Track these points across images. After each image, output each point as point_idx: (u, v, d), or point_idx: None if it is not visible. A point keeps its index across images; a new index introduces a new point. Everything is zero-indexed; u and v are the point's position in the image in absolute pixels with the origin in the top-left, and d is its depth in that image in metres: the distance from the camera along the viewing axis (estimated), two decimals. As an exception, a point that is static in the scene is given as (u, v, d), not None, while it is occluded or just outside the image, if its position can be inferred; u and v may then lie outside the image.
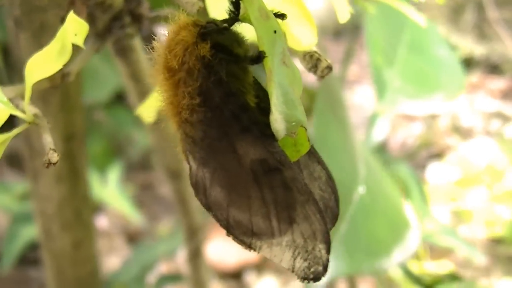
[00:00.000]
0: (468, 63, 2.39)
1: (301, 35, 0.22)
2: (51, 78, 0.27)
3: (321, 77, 0.24)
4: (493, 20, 2.53)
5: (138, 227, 1.50)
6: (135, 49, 0.36)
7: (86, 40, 0.28)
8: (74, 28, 0.21)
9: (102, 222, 1.50)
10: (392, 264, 0.41)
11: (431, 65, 0.67)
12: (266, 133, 0.22)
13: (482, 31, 2.58)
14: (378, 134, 0.60)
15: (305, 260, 0.24)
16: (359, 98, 2.25)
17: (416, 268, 0.82)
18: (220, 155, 0.24)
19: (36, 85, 0.26)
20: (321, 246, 0.23)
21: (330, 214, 0.27)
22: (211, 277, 0.69)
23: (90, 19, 0.29)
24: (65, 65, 0.24)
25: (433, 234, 0.73)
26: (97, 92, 1.45)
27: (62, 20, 0.28)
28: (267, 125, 0.21)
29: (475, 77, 2.37)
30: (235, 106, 0.23)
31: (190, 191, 0.55)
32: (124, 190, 1.09)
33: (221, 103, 0.23)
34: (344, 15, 0.25)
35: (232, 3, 0.22)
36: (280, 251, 0.24)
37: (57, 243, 0.59)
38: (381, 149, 0.69)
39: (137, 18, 0.30)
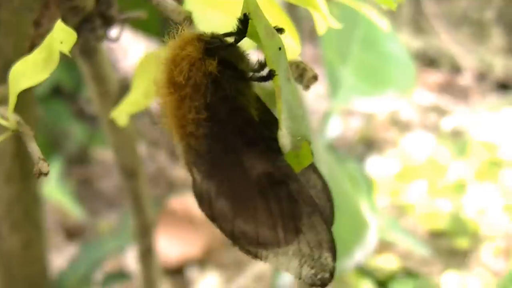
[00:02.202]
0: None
1: (286, 46, 0.22)
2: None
3: (307, 87, 0.24)
4: (430, 14, 2.57)
5: (77, 222, 1.48)
6: (100, 51, 0.35)
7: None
8: (61, 36, 0.21)
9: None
10: (354, 263, 0.41)
11: (384, 61, 0.67)
12: (271, 147, 0.22)
13: (418, 25, 2.63)
14: (332, 132, 0.61)
15: (312, 268, 0.24)
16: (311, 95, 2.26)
17: (366, 263, 0.83)
18: (226, 168, 0.24)
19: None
20: (327, 255, 0.24)
21: (328, 222, 0.27)
22: (161, 275, 0.69)
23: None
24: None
25: (381, 229, 0.74)
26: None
27: (36, 24, 0.27)
28: (272, 139, 0.21)
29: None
30: (241, 121, 0.23)
31: (144, 189, 0.55)
32: (64, 185, 1.07)
33: (228, 118, 0.23)
34: (322, 26, 0.25)
35: (241, 21, 0.22)
36: (287, 259, 0.25)
37: (6, 243, 0.58)
38: (332, 146, 0.70)
39: (107, 21, 0.30)
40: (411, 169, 1.35)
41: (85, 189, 1.64)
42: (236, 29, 0.23)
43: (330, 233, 0.24)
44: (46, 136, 1.54)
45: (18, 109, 0.49)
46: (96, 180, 1.69)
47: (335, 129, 0.61)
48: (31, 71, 0.22)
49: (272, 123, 0.23)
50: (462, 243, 1.40)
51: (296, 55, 0.24)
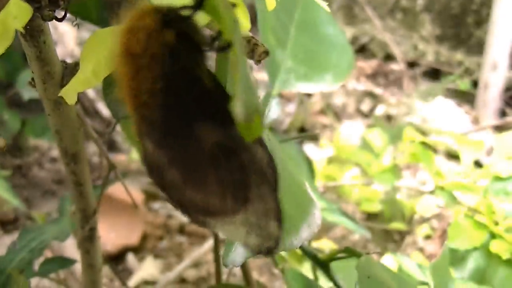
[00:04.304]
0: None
1: (240, 22, 0.23)
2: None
3: (258, 61, 0.24)
4: (362, 2, 2.60)
5: (10, 212, 1.46)
6: (44, 32, 0.35)
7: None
8: (16, 12, 0.21)
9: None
10: (301, 241, 0.42)
11: (321, 45, 0.68)
12: (224, 118, 0.22)
13: (351, 13, 2.66)
14: (272, 114, 0.61)
15: (259, 236, 0.25)
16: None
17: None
18: (179, 138, 0.24)
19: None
20: (274, 223, 0.25)
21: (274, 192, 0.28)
22: (101, 262, 0.68)
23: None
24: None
25: (322, 212, 0.75)
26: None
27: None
28: (224, 110, 0.22)
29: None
30: (197, 92, 0.24)
31: (86, 174, 0.55)
32: (0, 175, 1.05)
33: (184, 88, 0.24)
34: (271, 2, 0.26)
35: None
36: (235, 228, 0.25)
37: None
38: (272, 129, 0.70)
39: (53, 0, 0.30)
40: (345, 154, 1.36)
41: (18, 179, 1.62)
42: (192, 2, 0.23)
43: (277, 202, 0.25)
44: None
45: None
46: (30, 169, 1.67)
47: (274, 111, 0.61)
48: (-15, 47, 0.22)
49: (223, 95, 0.23)
50: (397, 225, 1.43)
51: (246, 31, 0.24)
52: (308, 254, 0.58)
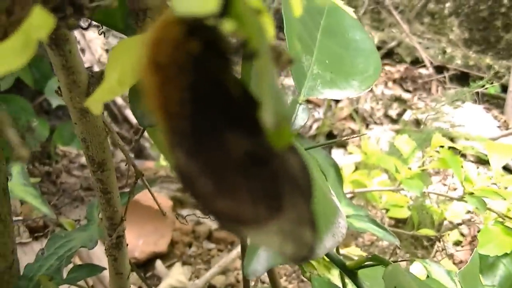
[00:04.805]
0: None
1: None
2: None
3: (283, 69, 0.24)
4: (389, 6, 2.59)
5: (41, 220, 1.47)
6: (70, 40, 0.35)
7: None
8: (40, 22, 0.21)
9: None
10: (325, 251, 0.42)
11: (348, 50, 0.67)
12: (254, 127, 0.22)
13: (379, 17, 2.65)
14: (299, 121, 0.61)
15: (293, 244, 0.25)
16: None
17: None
18: (209, 147, 0.24)
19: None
20: (307, 231, 0.24)
21: (308, 199, 0.27)
22: (129, 269, 0.68)
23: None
24: None
25: (349, 217, 0.75)
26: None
27: (8, 12, 0.27)
28: (253, 118, 0.21)
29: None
30: (224, 100, 0.24)
31: (113, 182, 0.55)
32: (30, 182, 1.06)
33: (211, 97, 0.24)
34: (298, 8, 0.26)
35: (222, 1, 0.22)
36: (269, 237, 0.25)
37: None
38: (300, 135, 0.70)
39: (78, 9, 0.30)
40: (373, 160, 1.36)
41: (47, 186, 1.63)
42: (216, 10, 0.23)
43: (310, 210, 0.24)
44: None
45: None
46: (59, 176, 1.68)
47: (301, 118, 0.61)
48: (8, 57, 0.22)
49: (251, 103, 0.23)
50: (426, 232, 1.42)
51: (271, 38, 0.24)
52: (336, 262, 0.57)
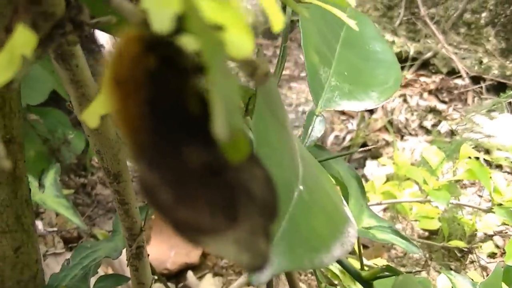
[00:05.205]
0: (402, 60, 2.43)
1: (238, 43, 0.23)
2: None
3: (259, 83, 0.25)
4: (425, 17, 2.58)
5: (75, 230, 1.49)
6: (76, 55, 0.36)
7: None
8: (23, 39, 0.22)
9: (38, 226, 1.49)
10: (332, 259, 0.42)
11: (368, 62, 0.68)
12: (209, 140, 0.23)
13: (414, 27, 2.64)
14: (316, 132, 0.61)
15: (249, 253, 0.25)
16: (295, 95, 2.27)
17: (355, 263, 0.84)
18: (168, 159, 0.25)
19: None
20: (262, 240, 0.25)
21: (269, 211, 0.28)
22: (153, 279, 0.69)
23: (33, 27, 0.29)
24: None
25: (371, 229, 0.75)
26: (33, 95, 1.43)
27: (7, 29, 0.28)
28: (210, 132, 0.22)
29: (409, 73, 2.41)
30: (181, 115, 0.24)
31: (130, 193, 0.56)
32: (62, 194, 1.08)
33: (168, 111, 0.24)
34: (278, 24, 0.26)
35: (176, 17, 0.23)
36: (226, 246, 0.25)
37: (-3, 247, 0.59)
38: (320, 146, 0.70)
39: (78, 26, 0.31)
40: (405, 171, 1.35)
41: (82, 198, 1.65)
42: (172, 25, 0.24)
43: (265, 220, 0.25)
44: (43, 144, 1.55)
45: (2, 116, 0.50)
46: (94, 188, 1.70)
47: (317, 130, 0.62)
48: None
49: (209, 117, 0.24)
50: (457, 243, 1.40)
51: (248, 53, 0.24)
52: (352, 273, 0.57)
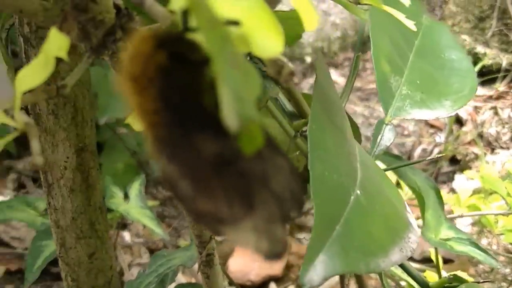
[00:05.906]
0: (494, 71, 2.37)
1: (266, 44, 0.24)
2: (46, 90, 0.29)
3: (285, 82, 0.26)
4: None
5: (161, 241, 1.52)
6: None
7: (82, 55, 0.30)
8: (57, 43, 0.23)
9: (125, 237, 1.52)
10: (390, 264, 0.41)
11: (442, 70, 0.67)
12: (222, 131, 0.24)
13: (506, 38, 2.57)
14: (385, 141, 0.61)
15: (267, 240, 0.26)
16: (379, 107, 2.25)
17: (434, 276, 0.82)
18: (184, 151, 0.26)
19: (34, 96, 0.27)
20: (279, 228, 0.26)
21: (295, 201, 0.28)
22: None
23: (85, 35, 0.31)
24: (62, 78, 0.25)
25: (449, 240, 0.73)
26: (122, 108, 1.47)
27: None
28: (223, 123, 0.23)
29: (501, 85, 2.35)
30: (195, 108, 0.25)
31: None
32: (147, 205, 1.11)
33: (182, 105, 0.25)
34: (311, 24, 0.27)
35: (182, 14, 0.24)
36: (245, 234, 0.26)
37: (72, 253, 0.61)
38: (398, 156, 0.70)
39: (128, 33, 0.32)
40: (490, 184, 1.32)
41: (168, 209, 1.68)
42: (181, 23, 0.25)
43: (281, 207, 0.26)
44: (131, 157, 1.60)
45: (75, 125, 0.52)
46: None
47: (387, 139, 0.61)
48: (31, 75, 0.24)
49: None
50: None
51: (277, 53, 0.25)
52: (419, 282, 0.57)
